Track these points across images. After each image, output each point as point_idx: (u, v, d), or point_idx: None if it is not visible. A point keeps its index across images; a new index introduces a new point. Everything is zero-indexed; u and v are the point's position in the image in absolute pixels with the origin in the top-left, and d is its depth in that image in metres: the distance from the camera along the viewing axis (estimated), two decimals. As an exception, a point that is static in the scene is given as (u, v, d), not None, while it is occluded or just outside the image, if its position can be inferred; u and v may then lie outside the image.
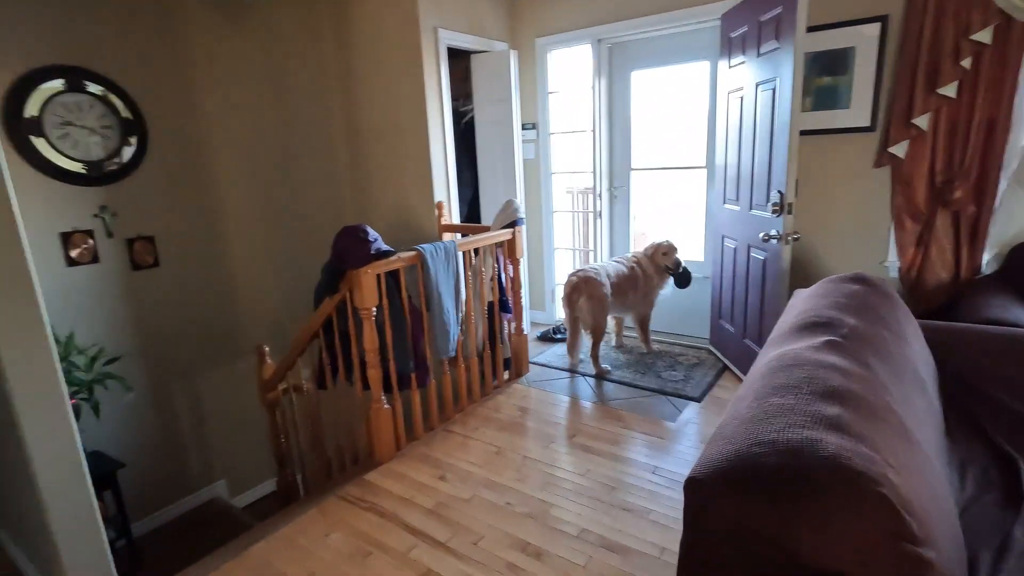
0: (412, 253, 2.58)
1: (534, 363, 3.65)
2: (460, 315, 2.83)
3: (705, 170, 3.74)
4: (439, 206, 3.56)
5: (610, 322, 3.94)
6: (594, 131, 3.94)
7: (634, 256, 3.57)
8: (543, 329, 4.24)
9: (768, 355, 1.30)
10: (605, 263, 3.51)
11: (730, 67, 3.13)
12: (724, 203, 3.33)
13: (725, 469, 0.88)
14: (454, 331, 2.77)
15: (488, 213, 4.18)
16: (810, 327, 1.38)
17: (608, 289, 3.31)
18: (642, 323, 3.67)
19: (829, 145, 3.04)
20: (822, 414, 0.94)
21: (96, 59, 2.87)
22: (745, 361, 3.14)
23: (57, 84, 2.76)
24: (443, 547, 1.98)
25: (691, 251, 3.89)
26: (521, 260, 3.31)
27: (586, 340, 3.48)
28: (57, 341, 2.17)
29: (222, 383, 3.59)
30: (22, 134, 2.67)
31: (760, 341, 2.95)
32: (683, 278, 3.49)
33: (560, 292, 3.61)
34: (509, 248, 3.23)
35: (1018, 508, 1.35)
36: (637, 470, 2.40)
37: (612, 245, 4.22)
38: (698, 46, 3.54)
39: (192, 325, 3.40)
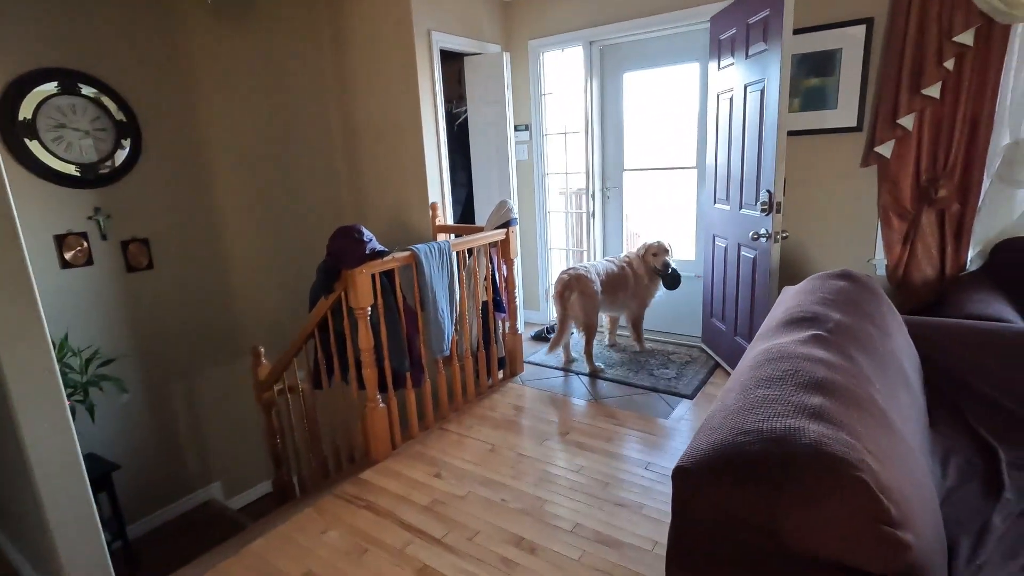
0: (407, 253, 2.60)
1: (528, 362, 3.68)
2: (455, 315, 2.86)
3: (696, 170, 3.79)
4: (433, 207, 3.59)
5: (604, 320, 3.98)
6: (587, 132, 3.98)
7: (626, 256, 3.61)
8: (537, 328, 4.27)
9: (756, 349, 1.34)
10: (596, 262, 3.55)
11: (719, 69, 3.17)
12: (714, 203, 3.37)
13: (711, 458, 0.91)
14: (449, 330, 2.80)
15: (482, 214, 4.21)
16: (797, 322, 1.41)
17: (598, 287, 3.35)
18: (635, 323, 3.71)
19: (817, 145, 3.08)
20: (806, 404, 0.97)
21: (89, 62, 2.88)
22: (736, 358, 3.18)
23: (50, 87, 2.76)
24: (439, 543, 2.01)
25: (682, 250, 3.93)
26: (515, 260, 3.34)
27: (579, 339, 3.51)
28: (51, 343, 2.18)
29: (218, 384, 3.59)
30: (16, 137, 2.67)
31: (750, 338, 2.99)
32: (671, 279, 3.50)
33: (553, 291, 3.64)
34: (503, 248, 3.26)
35: (998, 496, 1.39)
36: (630, 466, 2.43)
37: (605, 245, 4.26)
38: (688, 48, 3.59)
39: (187, 327, 3.40)
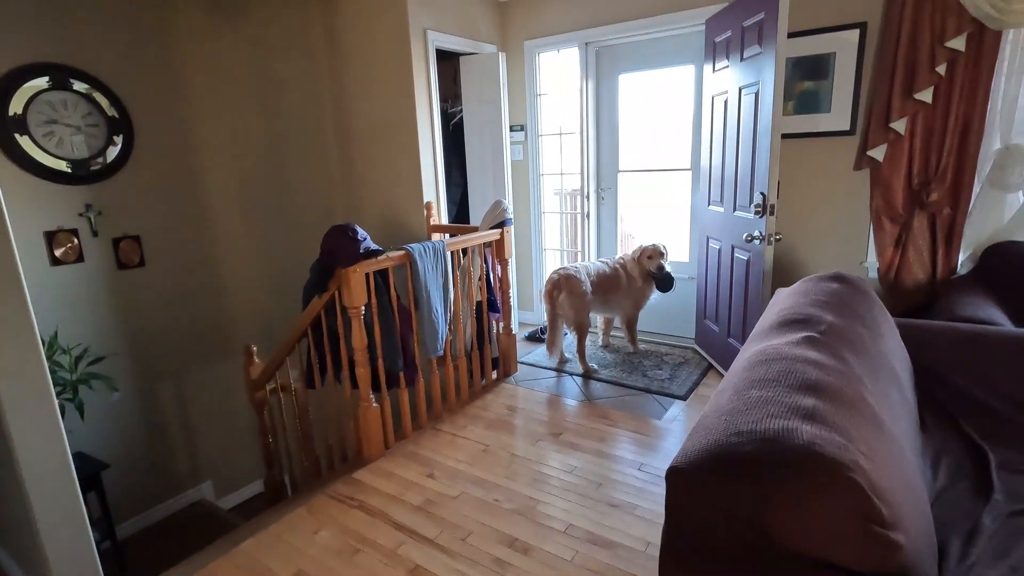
0: (401, 252, 2.60)
1: (522, 362, 3.68)
2: (449, 314, 2.85)
3: (690, 172, 3.80)
4: (428, 206, 3.58)
5: (598, 321, 3.98)
6: (582, 133, 3.98)
7: (621, 258, 3.61)
8: (531, 329, 4.27)
9: (749, 350, 1.34)
10: (589, 263, 3.56)
11: (714, 71, 3.18)
12: (709, 205, 3.38)
13: (705, 458, 0.91)
14: (442, 330, 2.79)
15: (477, 213, 4.20)
16: (790, 323, 1.42)
17: (588, 287, 3.35)
18: (629, 324, 3.71)
19: (810, 148, 3.10)
20: (799, 405, 0.98)
21: (81, 57, 2.86)
22: (729, 359, 3.19)
23: (42, 82, 2.74)
24: (431, 543, 2.00)
25: (676, 252, 3.94)
26: (509, 260, 3.33)
27: (572, 339, 3.52)
28: (41, 341, 2.15)
29: (209, 383, 3.57)
30: (6, 132, 2.64)
31: (743, 339, 3.00)
32: (665, 282, 3.49)
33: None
34: (497, 248, 3.26)
35: (988, 497, 1.40)
36: (623, 467, 2.43)
37: (600, 246, 4.27)
38: (684, 50, 3.60)
39: (179, 325, 3.38)
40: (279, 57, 3.66)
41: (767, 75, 2.59)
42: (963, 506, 1.39)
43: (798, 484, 0.83)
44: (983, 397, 1.84)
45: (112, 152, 3.00)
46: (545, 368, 3.59)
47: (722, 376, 3.32)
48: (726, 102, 3.06)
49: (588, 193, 4.09)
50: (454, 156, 4.31)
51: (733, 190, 3.02)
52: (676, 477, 0.94)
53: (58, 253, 2.86)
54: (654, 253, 3.47)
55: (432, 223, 3.60)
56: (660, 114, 3.90)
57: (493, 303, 3.30)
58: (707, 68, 3.27)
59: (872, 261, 3.03)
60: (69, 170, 2.86)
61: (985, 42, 2.53)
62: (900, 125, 2.74)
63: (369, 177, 3.84)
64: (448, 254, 2.80)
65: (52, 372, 2.59)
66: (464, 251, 3.10)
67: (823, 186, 3.11)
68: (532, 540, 1.99)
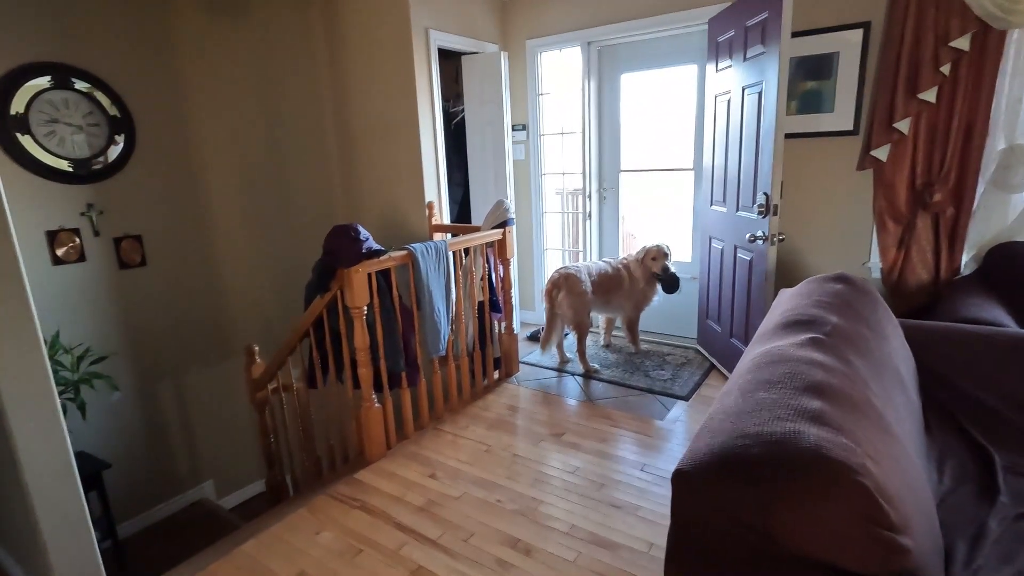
0: (403, 252, 2.59)
1: (524, 362, 3.67)
2: (450, 315, 2.85)
3: (693, 172, 3.79)
4: (430, 206, 3.57)
5: (600, 321, 3.97)
6: (584, 133, 3.97)
7: (624, 259, 3.60)
8: (533, 329, 4.27)
9: (753, 352, 1.33)
10: (591, 263, 3.55)
11: (717, 71, 3.17)
12: (711, 205, 3.38)
13: (711, 461, 0.91)
14: (444, 330, 2.78)
15: (478, 213, 4.20)
16: (794, 325, 1.41)
17: (588, 287, 3.34)
18: (630, 325, 3.70)
19: (813, 148, 3.09)
20: (805, 408, 0.97)
21: (83, 56, 2.85)
22: (732, 360, 3.18)
23: (43, 81, 2.73)
24: (433, 544, 2.00)
25: (679, 252, 3.93)
26: (511, 260, 3.33)
27: (573, 339, 3.51)
28: (43, 340, 2.15)
29: (211, 383, 3.57)
30: (8, 131, 2.64)
31: (746, 340, 2.99)
32: (670, 284, 3.47)
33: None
34: (499, 248, 3.25)
35: (993, 500, 1.39)
36: (626, 467, 2.43)
37: (601, 246, 4.26)
38: (686, 50, 3.59)
39: (180, 324, 3.38)
40: (280, 56, 3.65)
41: (770, 75, 2.58)
42: (968, 509, 1.38)
43: (805, 487, 0.82)
44: (987, 399, 1.83)
45: (114, 151, 2.99)
46: (547, 368, 3.58)
47: (724, 376, 3.31)
48: (729, 102, 3.05)
49: (590, 193, 4.08)
50: (456, 155, 4.31)
51: (736, 190, 3.01)
52: (682, 480, 0.94)
53: (60, 253, 2.85)
54: (658, 254, 3.45)
55: (434, 223, 3.59)
56: (662, 114, 3.89)
57: (495, 303, 3.30)
58: (710, 68, 3.26)
59: (875, 262, 3.02)
60: (71, 169, 2.85)
61: (989, 42, 2.52)
62: (904, 125, 2.73)
63: (370, 177, 3.84)
64: (450, 254, 2.80)
65: (54, 372, 2.59)
66: (466, 251, 3.10)
67: (826, 186, 3.10)
68: (534, 541, 1.99)
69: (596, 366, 3.48)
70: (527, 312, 4.54)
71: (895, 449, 1.05)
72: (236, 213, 3.59)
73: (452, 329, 2.91)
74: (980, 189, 2.71)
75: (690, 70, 3.64)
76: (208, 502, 3.59)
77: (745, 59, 2.82)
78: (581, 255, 4.27)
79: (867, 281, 1.82)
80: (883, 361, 1.43)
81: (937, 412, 1.85)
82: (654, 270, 3.46)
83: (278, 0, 3.59)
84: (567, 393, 3.21)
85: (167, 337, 3.33)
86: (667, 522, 1.97)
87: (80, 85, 2.85)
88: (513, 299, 3.47)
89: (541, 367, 3.60)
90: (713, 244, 3.37)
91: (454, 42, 3.64)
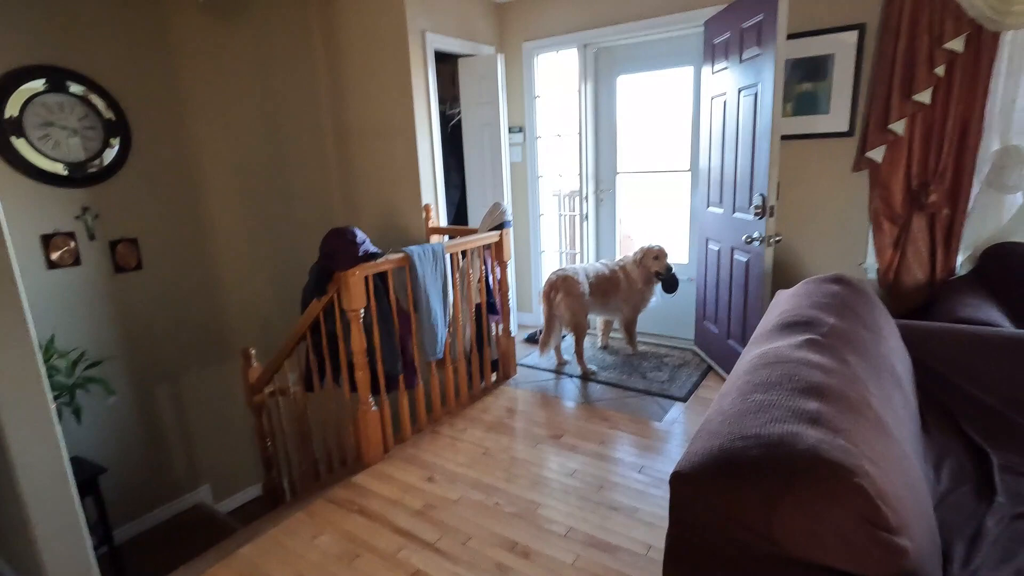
0: (400, 255, 2.59)
1: (521, 365, 3.67)
2: (448, 317, 2.84)
3: (689, 174, 3.80)
4: (427, 208, 3.57)
5: (597, 323, 3.97)
6: (580, 135, 3.98)
7: (621, 261, 3.59)
8: (530, 331, 4.27)
9: (751, 353, 1.33)
10: (588, 264, 3.55)
11: (713, 72, 3.18)
12: (708, 206, 3.38)
13: (709, 462, 0.91)
14: (442, 333, 2.78)
15: (475, 216, 4.19)
16: (791, 326, 1.41)
17: (585, 288, 3.34)
18: (628, 326, 3.70)
19: (809, 149, 3.10)
20: (802, 409, 0.97)
21: (78, 59, 2.84)
22: (729, 361, 3.19)
23: (38, 84, 2.72)
24: (432, 548, 1.99)
25: (676, 254, 3.94)
26: (508, 262, 3.33)
27: (571, 341, 3.51)
28: (38, 345, 2.14)
29: (207, 386, 3.55)
30: (2, 135, 2.63)
31: (743, 341, 3.00)
32: (670, 284, 3.47)
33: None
34: (496, 250, 3.25)
35: (990, 500, 1.40)
36: (624, 469, 2.43)
37: (598, 248, 4.26)
38: (682, 51, 3.60)
39: (176, 328, 3.36)
40: (277, 59, 3.65)
41: (766, 76, 2.59)
42: (966, 509, 1.38)
43: (803, 489, 0.82)
44: (984, 399, 1.83)
45: (109, 154, 2.98)
46: (544, 370, 3.58)
47: (722, 378, 3.31)
48: (725, 103, 3.06)
49: (587, 195, 4.09)
50: (452, 158, 4.31)
51: (732, 192, 3.02)
52: (680, 482, 0.93)
53: (55, 256, 2.84)
54: (660, 254, 3.44)
55: (431, 225, 3.59)
56: (659, 116, 3.90)
57: (492, 305, 3.30)
58: (706, 69, 3.27)
59: (871, 262, 3.03)
60: (66, 173, 2.84)
61: (984, 43, 2.53)
62: (899, 126, 2.75)
63: (367, 179, 3.83)
64: (447, 256, 2.80)
65: (49, 376, 2.57)
66: (463, 253, 3.10)
67: (822, 187, 3.11)
68: (533, 544, 1.98)
69: (593, 368, 3.48)
70: (524, 314, 4.54)
71: (893, 450, 1.05)
72: (233, 216, 3.58)
73: (449, 332, 2.91)
74: (975, 190, 2.72)
75: (686, 72, 3.65)
76: (205, 506, 3.57)
77: (741, 61, 2.83)
78: (578, 257, 4.27)
79: (864, 282, 1.82)
80: (880, 362, 1.43)
81: (934, 412, 1.85)
82: (657, 269, 3.45)
83: (275, 2, 3.58)
84: (565, 395, 3.21)
85: (163, 341, 3.31)
86: (665, 524, 1.97)
87: (75, 88, 2.84)
88: (510, 301, 3.47)
89: (539, 369, 3.60)
90: (710, 245, 3.38)
91: (451, 44, 3.64)
